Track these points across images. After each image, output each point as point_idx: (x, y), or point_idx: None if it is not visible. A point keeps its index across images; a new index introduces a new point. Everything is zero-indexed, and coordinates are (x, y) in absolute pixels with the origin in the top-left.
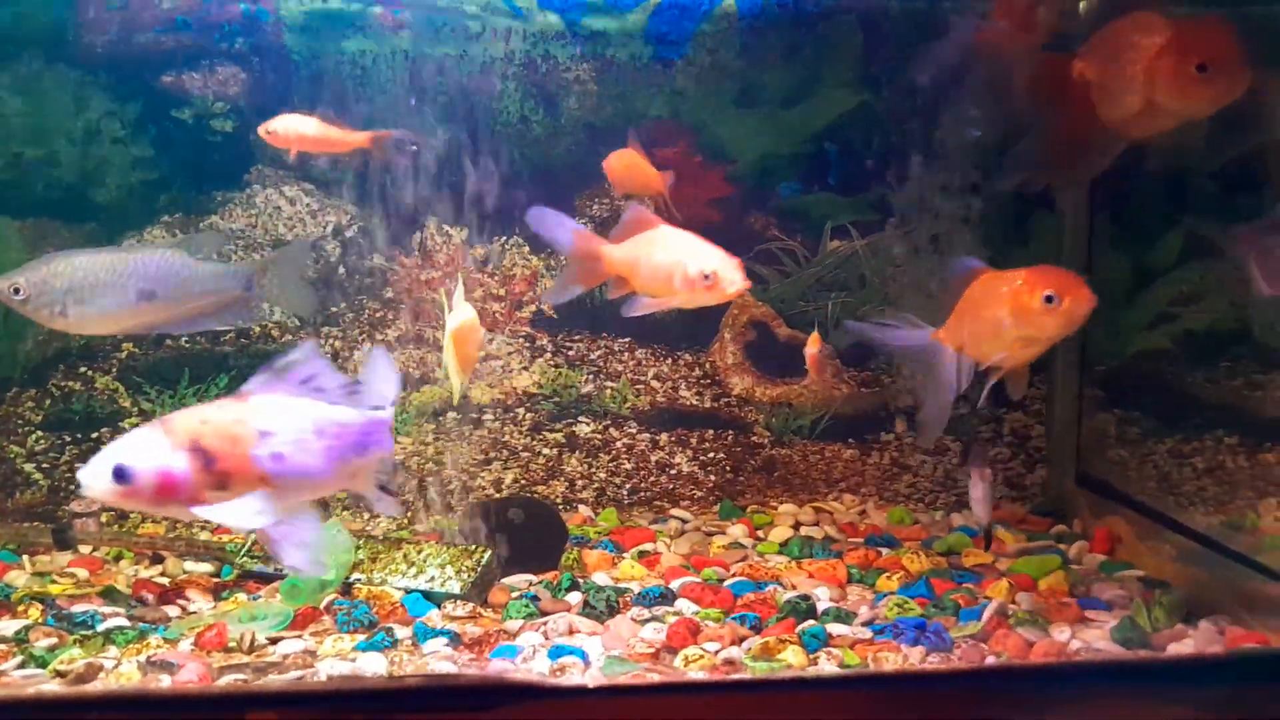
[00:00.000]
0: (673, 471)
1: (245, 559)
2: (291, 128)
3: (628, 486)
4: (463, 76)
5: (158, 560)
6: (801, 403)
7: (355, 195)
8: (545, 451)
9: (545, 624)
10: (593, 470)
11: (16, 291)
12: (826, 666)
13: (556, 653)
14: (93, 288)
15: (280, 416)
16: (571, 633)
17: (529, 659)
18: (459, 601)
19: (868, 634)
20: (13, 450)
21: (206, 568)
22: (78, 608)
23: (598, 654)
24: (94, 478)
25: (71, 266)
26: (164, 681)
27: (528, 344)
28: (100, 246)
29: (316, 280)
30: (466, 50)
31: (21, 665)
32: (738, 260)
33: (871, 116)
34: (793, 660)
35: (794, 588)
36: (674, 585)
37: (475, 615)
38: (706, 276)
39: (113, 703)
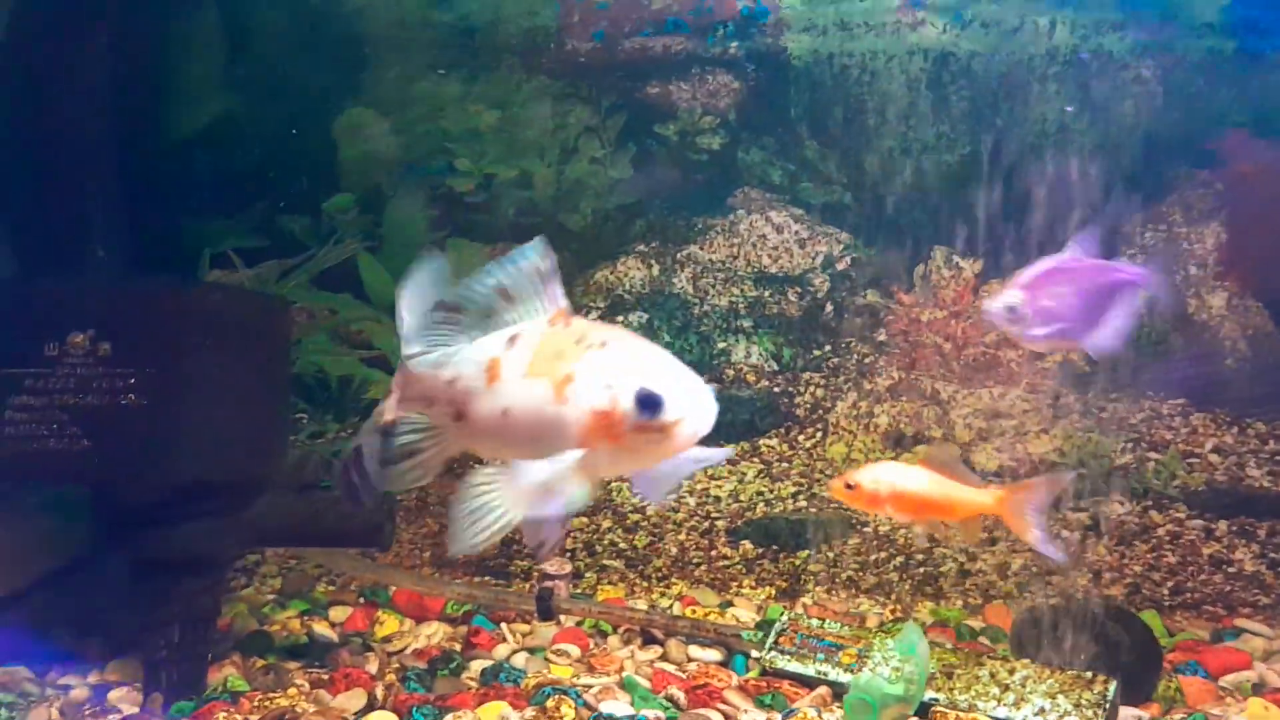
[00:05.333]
0: (1231, 570)
1: (771, 654)
2: None
3: (1170, 584)
4: (992, 78)
5: (648, 639)
6: None
7: (850, 222)
8: (1064, 534)
9: None
10: (1126, 561)
11: None
12: None
13: None
14: None
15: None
16: None
17: None
18: None
19: None
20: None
21: (715, 655)
22: (612, 706)
23: None
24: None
25: None
26: None
27: (1049, 401)
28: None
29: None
30: (1000, 47)
31: None
32: None
33: None
34: None
35: None
36: None
37: None
38: None
39: None
